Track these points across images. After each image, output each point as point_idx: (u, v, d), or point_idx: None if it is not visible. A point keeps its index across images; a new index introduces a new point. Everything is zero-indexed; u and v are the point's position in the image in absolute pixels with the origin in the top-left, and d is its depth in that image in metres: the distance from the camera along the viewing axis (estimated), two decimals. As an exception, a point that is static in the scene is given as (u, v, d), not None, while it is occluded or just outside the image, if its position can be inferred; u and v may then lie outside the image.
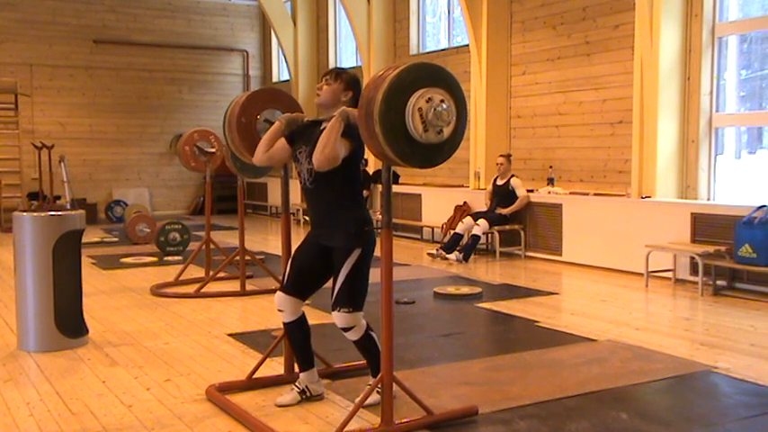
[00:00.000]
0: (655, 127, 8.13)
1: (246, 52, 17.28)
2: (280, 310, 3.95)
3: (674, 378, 4.44)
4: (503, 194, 9.46)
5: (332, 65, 15.21)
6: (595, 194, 9.03)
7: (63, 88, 15.37)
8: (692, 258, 7.24)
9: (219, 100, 16.78)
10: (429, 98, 3.22)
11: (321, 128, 3.76)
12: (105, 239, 11.85)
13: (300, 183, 3.87)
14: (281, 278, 4.06)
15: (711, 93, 8.11)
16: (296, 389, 4.01)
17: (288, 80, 15.94)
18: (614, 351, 5.02)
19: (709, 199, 8.12)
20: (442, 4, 12.40)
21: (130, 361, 4.86)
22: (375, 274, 3.60)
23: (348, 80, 3.83)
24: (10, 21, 14.84)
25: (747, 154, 8.37)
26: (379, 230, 3.52)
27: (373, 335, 3.85)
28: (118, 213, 15.13)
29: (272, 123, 4.00)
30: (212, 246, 7.69)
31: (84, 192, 14.97)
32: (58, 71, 15.28)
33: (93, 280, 7.78)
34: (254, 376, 4.23)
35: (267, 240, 11.81)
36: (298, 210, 14.12)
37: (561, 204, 9.10)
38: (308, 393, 4.01)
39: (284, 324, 3.99)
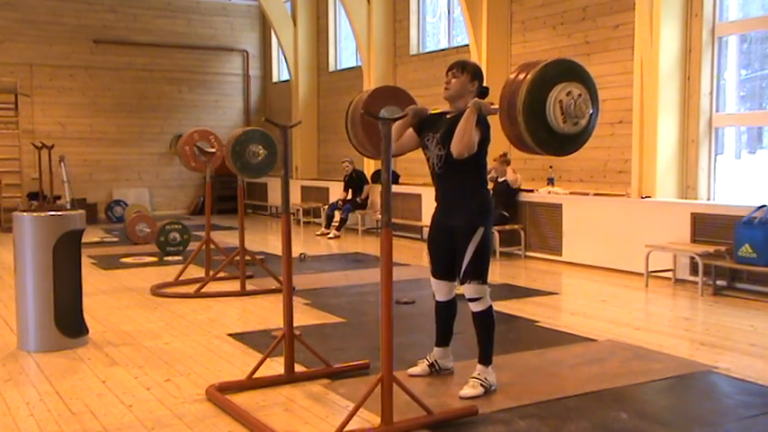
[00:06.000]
0: (655, 127, 8.13)
1: (246, 52, 17.27)
2: (435, 292, 4.35)
3: (674, 378, 4.44)
4: (503, 192, 9.45)
5: (332, 65, 15.23)
6: (595, 194, 9.03)
7: (63, 88, 15.36)
8: (692, 258, 7.24)
9: (219, 100, 16.81)
10: (569, 91, 3.50)
11: (447, 117, 4.09)
12: (105, 239, 11.85)
13: (429, 168, 4.20)
14: (280, 278, 4.08)
15: (711, 93, 8.11)
16: (426, 362, 4.39)
17: (288, 80, 15.93)
18: (614, 351, 5.02)
19: (709, 199, 8.13)
20: (441, 4, 12.39)
21: (130, 361, 4.85)
22: (375, 275, 3.61)
23: (473, 71, 4.14)
24: (10, 21, 14.83)
25: (747, 154, 8.37)
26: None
27: (494, 314, 4.14)
28: (118, 213, 15.12)
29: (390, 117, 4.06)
30: (212, 246, 7.69)
31: (84, 192, 14.96)
32: (58, 71, 15.27)
33: (93, 280, 7.78)
34: (254, 376, 4.23)
35: (267, 240, 11.80)
36: (298, 210, 14.13)
37: (561, 204, 9.09)
38: (436, 367, 4.38)
39: (437, 302, 4.37)
